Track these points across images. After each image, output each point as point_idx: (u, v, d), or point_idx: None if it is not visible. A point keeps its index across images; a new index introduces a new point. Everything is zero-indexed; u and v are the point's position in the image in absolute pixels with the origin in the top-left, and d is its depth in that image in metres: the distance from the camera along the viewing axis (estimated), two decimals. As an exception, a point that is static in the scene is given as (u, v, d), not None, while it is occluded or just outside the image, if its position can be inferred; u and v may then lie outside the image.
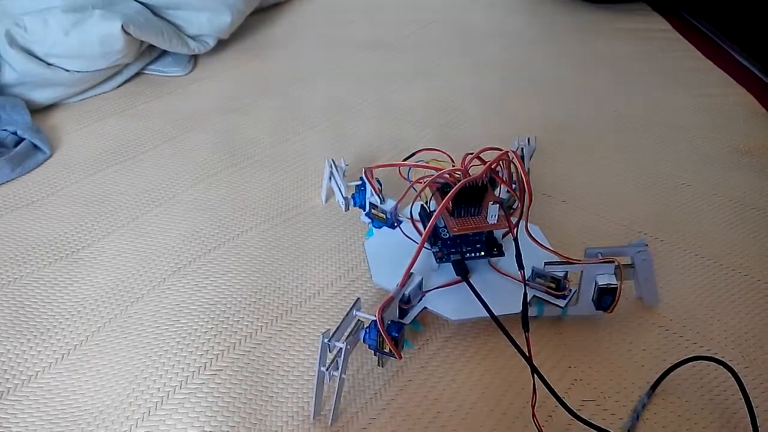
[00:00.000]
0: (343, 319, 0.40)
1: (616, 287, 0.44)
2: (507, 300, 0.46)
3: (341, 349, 0.39)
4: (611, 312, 0.45)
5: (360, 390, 0.43)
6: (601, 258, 0.45)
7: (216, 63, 0.90)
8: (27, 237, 0.57)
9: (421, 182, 0.48)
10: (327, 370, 0.40)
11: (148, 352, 0.46)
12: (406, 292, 0.44)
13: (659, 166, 0.67)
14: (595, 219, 0.59)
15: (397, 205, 0.52)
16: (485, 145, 0.47)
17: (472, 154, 0.46)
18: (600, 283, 0.44)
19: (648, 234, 0.57)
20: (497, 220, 0.46)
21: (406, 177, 0.52)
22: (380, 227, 0.54)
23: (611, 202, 0.61)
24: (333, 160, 0.58)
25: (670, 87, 0.84)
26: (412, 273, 0.44)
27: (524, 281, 0.43)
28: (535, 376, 0.39)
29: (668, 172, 0.66)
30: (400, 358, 0.41)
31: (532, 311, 0.46)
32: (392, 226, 0.53)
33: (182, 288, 0.51)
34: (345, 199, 0.56)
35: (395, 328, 0.41)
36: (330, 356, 0.40)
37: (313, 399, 0.41)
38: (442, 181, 0.47)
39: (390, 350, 0.40)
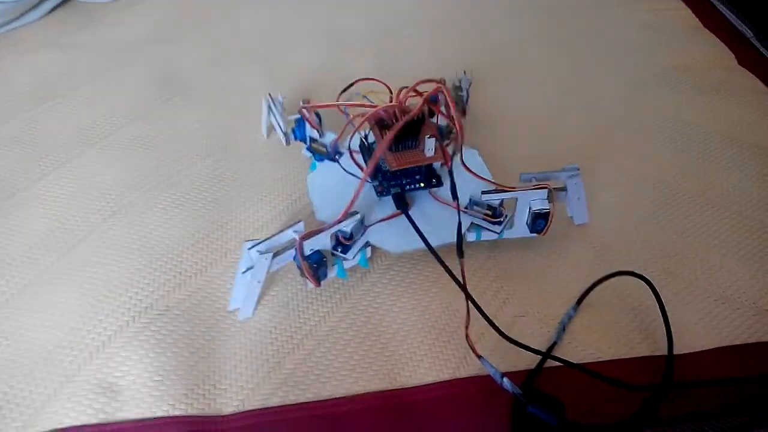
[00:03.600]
0: (275, 234, 0.42)
1: (549, 211, 0.46)
2: (446, 229, 0.47)
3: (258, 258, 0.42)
4: (544, 234, 0.47)
5: (306, 316, 0.46)
6: (534, 184, 0.47)
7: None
8: (-43, 183, 0.55)
9: (359, 117, 0.48)
10: (244, 273, 0.43)
11: (94, 293, 0.46)
12: (347, 229, 0.45)
13: (597, 86, 0.68)
14: (534, 144, 0.61)
15: (337, 139, 0.52)
16: (426, 71, 0.48)
17: (407, 88, 0.46)
18: (534, 209, 0.46)
19: (584, 156, 0.59)
20: (434, 153, 0.47)
21: (344, 112, 0.51)
22: (322, 161, 0.54)
23: (550, 126, 0.63)
24: (270, 95, 0.57)
25: (606, 4, 0.84)
26: (354, 211, 0.45)
27: (458, 210, 0.45)
28: (468, 301, 0.42)
29: (606, 92, 0.67)
30: (317, 285, 0.43)
31: (471, 236, 0.48)
32: (333, 160, 0.53)
33: (124, 228, 0.51)
34: (285, 134, 0.56)
35: (315, 257, 0.43)
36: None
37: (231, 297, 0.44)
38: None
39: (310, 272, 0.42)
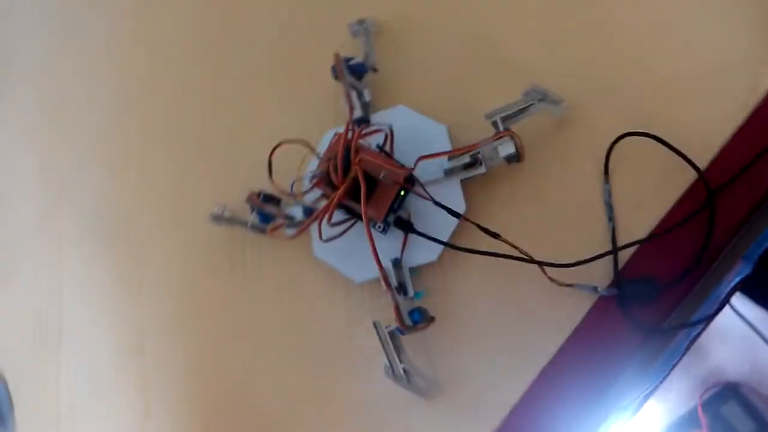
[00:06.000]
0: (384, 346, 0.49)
1: (516, 153, 0.49)
2: (444, 221, 0.52)
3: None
4: (522, 161, 0.51)
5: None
6: (495, 134, 0.50)
7: None
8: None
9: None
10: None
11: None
12: (393, 282, 0.50)
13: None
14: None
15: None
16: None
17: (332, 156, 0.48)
18: (502, 155, 0.50)
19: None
20: (397, 177, 0.49)
21: (290, 192, 0.53)
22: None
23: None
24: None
25: None
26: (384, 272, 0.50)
27: (430, 200, 0.49)
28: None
29: None
30: (432, 322, 0.50)
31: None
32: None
33: None
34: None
35: (416, 315, 0.49)
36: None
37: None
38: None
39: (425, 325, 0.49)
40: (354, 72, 0.57)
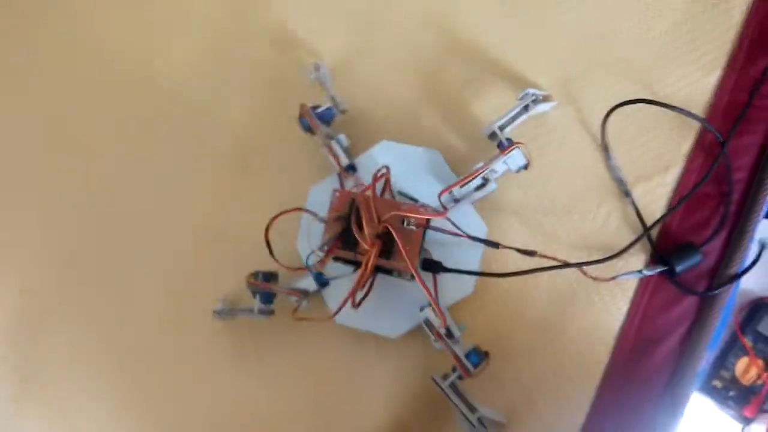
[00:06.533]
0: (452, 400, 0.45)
1: (528, 163, 0.47)
2: (469, 247, 0.49)
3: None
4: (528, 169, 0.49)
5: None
6: (501, 151, 0.47)
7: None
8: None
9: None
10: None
11: None
12: (441, 330, 0.47)
13: None
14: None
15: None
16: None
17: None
18: (514, 168, 0.48)
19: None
20: (421, 221, 0.46)
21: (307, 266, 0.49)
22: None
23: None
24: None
25: None
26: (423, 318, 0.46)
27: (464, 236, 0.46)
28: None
29: None
30: (488, 358, 0.47)
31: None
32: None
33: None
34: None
35: (474, 357, 0.46)
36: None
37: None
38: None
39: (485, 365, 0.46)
40: (323, 119, 0.53)
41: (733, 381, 0.61)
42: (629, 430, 0.48)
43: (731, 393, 0.61)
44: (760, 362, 0.61)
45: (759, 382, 0.61)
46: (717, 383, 0.61)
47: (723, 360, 0.60)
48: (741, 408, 0.62)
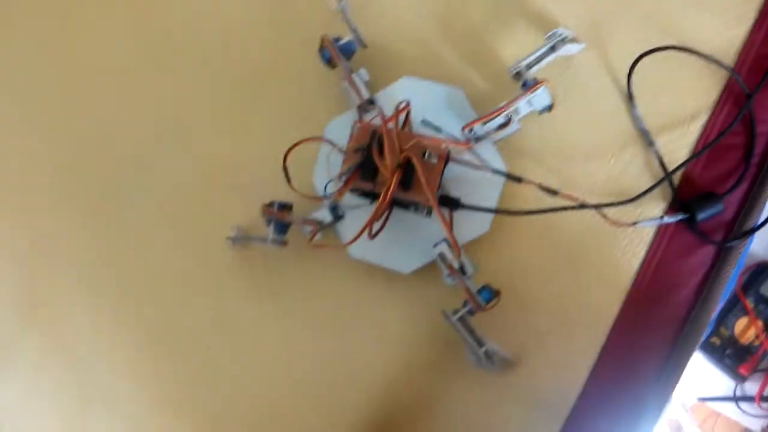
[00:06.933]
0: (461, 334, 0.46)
1: (552, 103, 0.47)
2: (487, 185, 0.49)
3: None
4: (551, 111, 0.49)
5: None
6: (529, 87, 0.47)
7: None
8: None
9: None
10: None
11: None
12: (456, 265, 0.47)
13: None
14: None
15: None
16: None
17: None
18: (539, 108, 0.47)
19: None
20: (443, 152, 0.46)
21: (324, 195, 0.49)
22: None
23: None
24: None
25: None
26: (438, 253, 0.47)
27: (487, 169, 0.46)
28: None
29: None
30: (500, 296, 0.47)
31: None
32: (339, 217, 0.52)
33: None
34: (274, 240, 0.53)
35: (486, 293, 0.46)
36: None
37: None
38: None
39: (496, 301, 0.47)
40: (344, 53, 0.53)
41: (731, 339, 0.62)
42: (635, 376, 0.49)
43: (728, 351, 0.62)
44: (760, 323, 0.63)
45: (757, 342, 0.63)
46: (715, 340, 0.62)
47: (723, 318, 0.61)
48: (737, 366, 0.64)
